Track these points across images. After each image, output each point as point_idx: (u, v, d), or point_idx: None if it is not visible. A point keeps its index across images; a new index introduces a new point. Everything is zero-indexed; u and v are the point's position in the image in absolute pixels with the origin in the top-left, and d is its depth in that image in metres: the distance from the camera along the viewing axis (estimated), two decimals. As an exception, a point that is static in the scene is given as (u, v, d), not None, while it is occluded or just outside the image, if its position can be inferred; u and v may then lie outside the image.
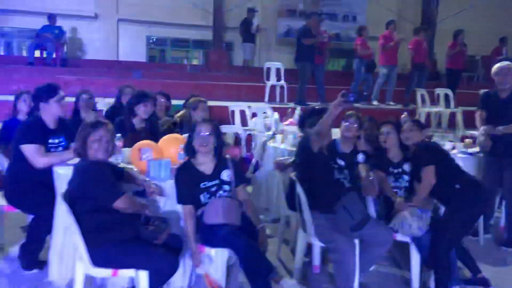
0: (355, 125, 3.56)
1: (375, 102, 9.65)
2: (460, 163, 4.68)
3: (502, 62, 4.52)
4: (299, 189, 3.20)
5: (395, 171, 3.60)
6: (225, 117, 7.54)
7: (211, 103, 8.26)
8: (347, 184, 3.35)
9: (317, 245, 3.34)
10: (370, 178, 3.33)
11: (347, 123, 3.56)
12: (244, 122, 7.39)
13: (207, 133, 2.96)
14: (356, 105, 9.28)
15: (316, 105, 8.89)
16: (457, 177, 3.40)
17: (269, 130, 6.11)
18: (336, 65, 13.09)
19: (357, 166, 3.45)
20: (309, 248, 3.59)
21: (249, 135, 6.71)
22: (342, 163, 3.46)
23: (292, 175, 3.41)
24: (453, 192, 3.32)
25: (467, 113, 8.19)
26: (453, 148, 5.08)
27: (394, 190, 3.58)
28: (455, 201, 3.28)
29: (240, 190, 3.06)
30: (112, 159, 3.05)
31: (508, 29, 14.81)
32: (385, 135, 3.59)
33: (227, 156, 3.11)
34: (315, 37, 8.64)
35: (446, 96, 9.18)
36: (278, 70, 9.63)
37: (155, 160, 3.13)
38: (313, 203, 3.18)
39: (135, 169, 3.24)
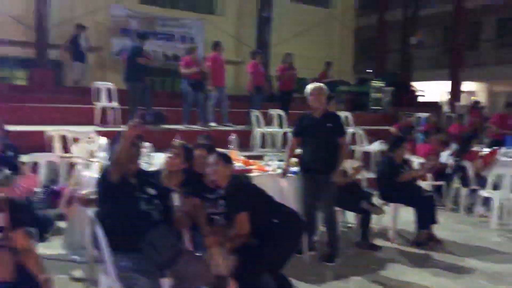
0: (176, 157, 3.31)
1: (212, 124, 9.58)
2: (285, 183, 4.80)
3: (314, 84, 4.72)
4: (97, 227, 2.75)
5: (212, 196, 3.37)
6: (44, 143, 6.70)
7: (28, 128, 7.35)
8: (156, 216, 2.99)
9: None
10: (183, 208, 3.03)
11: (168, 155, 3.30)
12: (66, 149, 6.64)
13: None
14: (194, 127, 9.13)
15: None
16: (274, 213, 3.29)
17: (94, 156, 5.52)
18: (173, 86, 12.89)
19: (170, 196, 3.13)
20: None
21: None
22: (152, 192, 3.09)
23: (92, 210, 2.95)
24: (271, 227, 3.20)
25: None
26: (278, 167, 5.12)
27: (213, 216, 3.35)
28: (274, 234, 3.17)
29: (18, 236, 2.49)
30: None
31: (333, 54, 16.34)
32: (198, 159, 3.35)
33: (1, 195, 2.53)
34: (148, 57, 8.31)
35: (280, 116, 9.53)
36: (109, 90, 9.00)
37: None
38: (114, 242, 2.76)
39: None
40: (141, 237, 2.78)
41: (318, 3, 16.90)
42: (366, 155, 9.47)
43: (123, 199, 2.84)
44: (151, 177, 3.31)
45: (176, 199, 3.07)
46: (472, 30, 19.55)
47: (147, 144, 5.97)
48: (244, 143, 9.13)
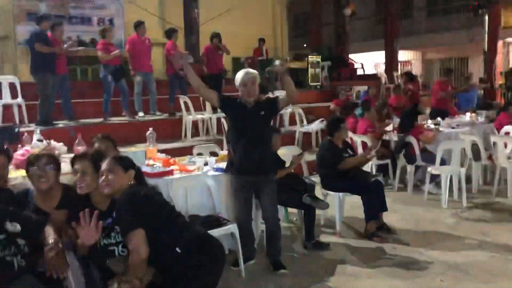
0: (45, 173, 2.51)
1: (140, 114, 8.65)
2: (212, 181, 4.06)
3: (246, 73, 3.87)
4: None
5: (105, 223, 2.56)
6: None
7: None
8: (20, 264, 2.16)
9: None
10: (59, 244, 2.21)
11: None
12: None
13: None
14: (113, 119, 8.17)
15: (64, 124, 7.52)
16: (177, 237, 2.50)
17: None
18: (91, 75, 11.66)
19: (42, 228, 2.30)
20: None
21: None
22: (15, 228, 2.25)
23: None
24: (172, 258, 2.43)
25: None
26: (205, 164, 4.37)
27: (110, 248, 2.56)
28: (176, 270, 2.40)
29: None
30: None
31: (266, 30, 15.61)
32: (81, 175, 2.53)
33: None
34: (53, 44, 7.18)
35: (212, 100, 8.71)
36: (12, 85, 7.81)
37: None
38: None
39: None
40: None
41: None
42: (307, 135, 8.93)
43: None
44: (15, 202, 2.47)
45: (50, 231, 2.24)
46: (404, -1, 19.48)
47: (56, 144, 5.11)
48: (176, 133, 8.33)
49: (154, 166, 4.18)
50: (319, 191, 4.92)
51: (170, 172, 4.04)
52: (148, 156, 4.64)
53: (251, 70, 3.89)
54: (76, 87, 9.38)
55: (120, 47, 11.47)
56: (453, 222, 5.12)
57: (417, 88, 11.80)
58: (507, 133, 6.84)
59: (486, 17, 13.76)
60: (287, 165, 4.64)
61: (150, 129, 4.79)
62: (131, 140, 6.88)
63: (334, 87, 12.38)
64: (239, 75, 3.84)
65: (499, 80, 15.33)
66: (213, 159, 4.40)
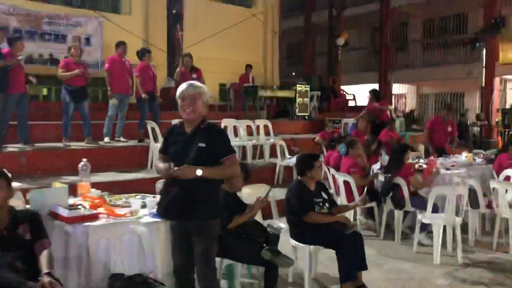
0: None
1: (106, 139, 7.88)
2: (145, 230, 3.25)
3: (189, 85, 3.13)
4: None
5: None
6: None
7: None
8: None
9: None
10: None
11: None
12: None
13: None
14: (76, 144, 7.38)
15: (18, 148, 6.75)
16: None
17: None
18: (55, 96, 10.89)
19: None
20: None
21: None
22: None
23: None
24: None
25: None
26: (144, 206, 3.54)
27: None
28: None
29: None
30: None
31: (256, 57, 15.03)
32: None
33: None
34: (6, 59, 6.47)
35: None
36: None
37: None
38: None
39: None
40: None
41: (237, 1, 15.45)
42: (288, 169, 8.15)
43: None
44: None
45: None
46: (400, 31, 19.04)
47: None
48: (144, 162, 7.53)
49: (78, 207, 3.36)
50: (288, 242, 4.11)
51: (93, 217, 3.21)
52: (79, 192, 3.84)
53: (197, 83, 3.12)
54: (39, 108, 8.65)
55: (97, 68, 10.85)
56: (447, 285, 4.28)
57: (385, 104, 10.97)
58: (507, 177, 6.07)
59: (484, 52, 13.23)
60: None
61: (84, 160, 3.99)
62: (92, 169, 6.12)
63: (323, 119, 11.70)
64: (181, 86, 3.08)
65: (496, 117, 14.74)
66: (153, 201, 3.57)
